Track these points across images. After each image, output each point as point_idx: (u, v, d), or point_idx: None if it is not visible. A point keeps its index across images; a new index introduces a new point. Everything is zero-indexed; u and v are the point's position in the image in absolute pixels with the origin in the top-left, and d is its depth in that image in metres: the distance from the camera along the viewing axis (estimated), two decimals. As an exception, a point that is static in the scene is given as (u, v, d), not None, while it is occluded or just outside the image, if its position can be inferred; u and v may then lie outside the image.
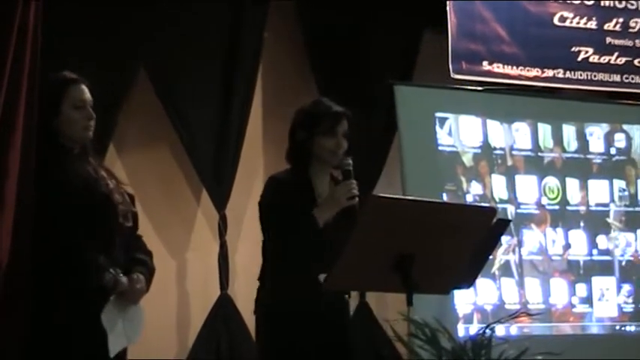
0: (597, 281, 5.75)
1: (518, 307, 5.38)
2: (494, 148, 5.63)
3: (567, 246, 5.71)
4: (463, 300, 5.29)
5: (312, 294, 3.54)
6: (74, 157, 3.29)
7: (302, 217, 3.61)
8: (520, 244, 5.56)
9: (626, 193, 5.91)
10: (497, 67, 5.83)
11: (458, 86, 5.71)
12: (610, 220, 5.85)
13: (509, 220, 4.70)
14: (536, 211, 5.67)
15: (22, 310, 3.04)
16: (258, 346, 3.80)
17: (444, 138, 5.49)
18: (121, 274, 3.21)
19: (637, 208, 5.91)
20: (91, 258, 3.17)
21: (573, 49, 6.04)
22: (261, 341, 3.78)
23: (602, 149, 5.92)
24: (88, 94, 3.34)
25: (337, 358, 3.73)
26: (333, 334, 3.70)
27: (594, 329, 5.73)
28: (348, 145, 3.76)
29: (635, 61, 6.15)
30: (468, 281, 3.78)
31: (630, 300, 5.79)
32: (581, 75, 6.04)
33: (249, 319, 5.28)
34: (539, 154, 5.75)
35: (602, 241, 5.80)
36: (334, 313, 3.74)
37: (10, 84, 3.00)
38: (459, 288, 3.82)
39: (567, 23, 6.03)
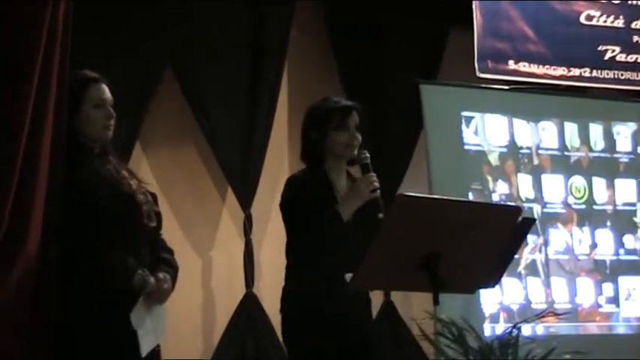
0: (624, 281, 5.72)
1: (544, 306, 5.35)
2: (521, 147, 5.61)
3: (594, 245, 5.69)
4: (489, 299, 5.28)
5: (335, 292, 3.55)
6: (94, 156, 3.28)
7: (325, 213, 3.61)
8: (546, 243, 5.55)
9: (654, 192, 5.89)
10: (524, 66, 5.82)
11: (484, 85, 5.70)
12: (637, 219, 5.83)
13: (534, 219, 4.69)
14: (563, 211, 5.65)
15: (52, 309, 3.05)
16: (285, 344, 3.81)
17: (470, 137, 5.48)
18: (150, 275, 3.20)
19: (664, 208, 5.89)
20: (120, 259, 3.16)
21: (600, 47, 6.01)
22: (286, 340, 3.78)
23: (629, 148, 5.89)
24: (108, 93, 3.32)
25: (360, 357, 3.72)
26: (355, 333, 3.69)
27: (621, 329, 5.70)
28: (361, 138, 3.76)
29: (663, 60, 6.13)
30: (493, 280, 3.78)
31: (658, 300, 5.77)
32: (607, 74, 6.01)
33: (275, 317, 5.29)
34: (566, 153, 5.73)
35: (629, 240, 5.77)
36: (357, 311, 3.74)
37: (39, 84, 3.00)
38: (485, 287, 3.81)
39: (594, 22, 6.00)
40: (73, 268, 3.12)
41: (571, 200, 5.68)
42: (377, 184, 3.63)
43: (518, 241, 3.87)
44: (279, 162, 5.68)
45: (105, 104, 3.30)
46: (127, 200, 3.24)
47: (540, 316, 3.33)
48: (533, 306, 5.39)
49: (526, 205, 5.47)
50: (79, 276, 3.12)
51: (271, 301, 5.36)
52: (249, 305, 5.43)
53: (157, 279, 3.23)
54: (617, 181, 5.82)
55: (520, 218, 3.46)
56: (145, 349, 3.18)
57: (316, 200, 3.65)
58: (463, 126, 5.46)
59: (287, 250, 3.78)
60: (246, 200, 5.50)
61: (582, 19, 5.98)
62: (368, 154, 3.70)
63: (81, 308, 3.11)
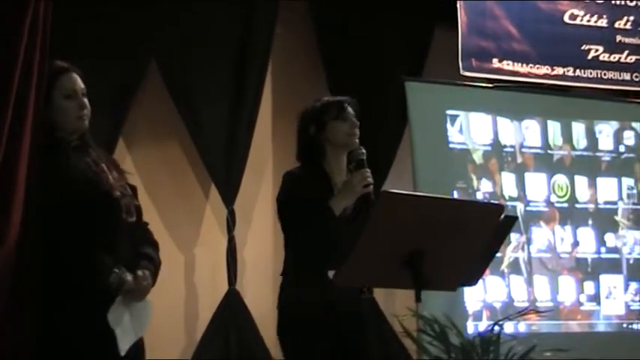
0: (605, 279, 5.75)
1: (526, 304, 5.38)
2: (505, 146, 5.63)
3: (576, 244, 5.72)
4: (472, 297, 5.30)
5: (330, 289, 3.53)
6: (72, 150, 3.18)
7: (318, 209, 3.61)
8: (529, 241, 5.57)
9: (635, 190, 5.92)
10: (507, 65, 5.84)
11: (468, 83, 5.71)
12: (618, 218, 5.86)
13: (516, 217, 4.70)
14: (546, 209, 5.68)
15: (31, 305, 3.01)
16: (280, 340, 3.79)
17: (454, 135, 5.50)
18: (127, 273, 3.13)
19: (645, 206, 5.92)
20: (96, 258, 3.10)
21: (583, 47, 6.04)
22: (281, 336, 3.76)
23: (611, 147, 5.92)
24: (80, 83, 3.22)
25: (356, 354, 3.73)
26: (350, 329, 3.70)
27: (602, 327, 5.73)
28: (359, 131, 3.77)
29: (646, 60, 6.16)
30: (474, 278, 3.78)
31: (637, 298, 5.80)
32: (591, 73, 6.05)
33: (257, 314, 5.32)
34: (549, 151, 5.76)
35: (610, 239, 5.80)
36: (352, 308, 3.73)
37: (21, 79, 2.97)
38: (466, 285, 3.82)
39: (578, 21, 6.03)
40: (51, 265, 3.05)
41: (554, 199, 5.71)
42: (370, 180, 3.64)
43: (500, 239, 3.87)
44: (263, 159, 5.68)
45: (77, 94, 3.20)
46: (104, 196, 3.16)
47: (522, 313, 3.34)
48: (516, 304, 5.40)
49: (509, 203, 5.49)
50: (57, 274, 3.06)
51: (254, 298, 5.38)
52: (232, 302, 5.42)
53: (136, 276, 3.15)
54: (599, 180, 5.84)
55: (502, 216, 3.47)
56: (123, 347, 3.13)
57: (314, 195, 3.64)
58: (448, 124, 5.48)
59: (285, 247, 3.78)
60: (229, 197, 5.49)
61: (566, 19, 6.00)
62: (364, 150, 3.71)
63: (60, 306, 3.06)
